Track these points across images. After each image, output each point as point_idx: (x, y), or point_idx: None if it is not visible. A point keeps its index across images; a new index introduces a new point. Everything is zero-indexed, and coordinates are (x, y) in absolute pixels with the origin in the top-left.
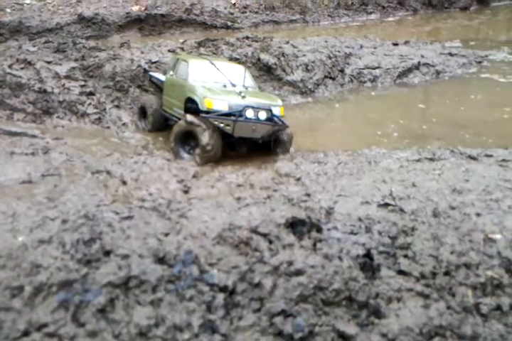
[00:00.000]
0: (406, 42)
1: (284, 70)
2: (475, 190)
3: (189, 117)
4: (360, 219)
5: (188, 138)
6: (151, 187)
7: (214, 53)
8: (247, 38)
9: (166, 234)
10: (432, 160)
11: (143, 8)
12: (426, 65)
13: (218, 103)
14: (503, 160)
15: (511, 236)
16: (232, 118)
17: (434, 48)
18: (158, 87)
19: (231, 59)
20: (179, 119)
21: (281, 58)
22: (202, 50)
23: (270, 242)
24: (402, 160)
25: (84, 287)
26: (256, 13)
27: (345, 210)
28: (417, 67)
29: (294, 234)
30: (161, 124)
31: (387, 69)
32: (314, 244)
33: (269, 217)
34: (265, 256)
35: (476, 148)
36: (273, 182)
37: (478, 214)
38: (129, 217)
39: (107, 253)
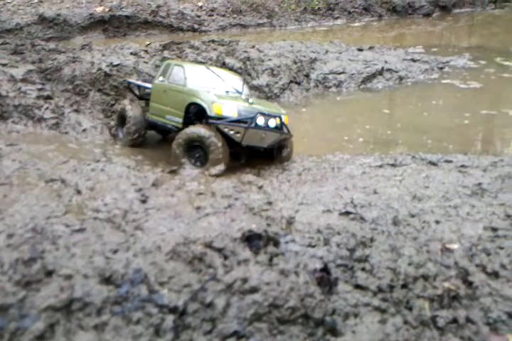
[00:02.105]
0: (370, 48)
1: (249, 75)
2: (435, 196)
3: (197, 126)
4: (319, 231)
5: (193, 148)
6: (106, 197)
7: (179, 57)
8: (213, 41)
9: (115, 251)
10: (393, 166)
11: (107, 10)
12: (389, 70)
13: (228, 108)
14: (462, 166)
15: (468, 245)
16: (244, 125)
17: (397, 54)
18: (137, 95)
19: (196, 62)
20: (173, 127)
21: (247, 62)
22: (166, 53)
23: (225, 258)
24: (365, 166)
25: (21, 312)
26: (223, 16)
27: (307, 219)
28: (380, 72)
29: (250, 248)
30: (143, 134)
31: (352, 74)
32: (271, 259)
33: (228, 228)
34: (219, 273)
35: (436, 153)
36: (234, 190)
37: (437, 222)
38: (81, 230)
39: (49, 273)
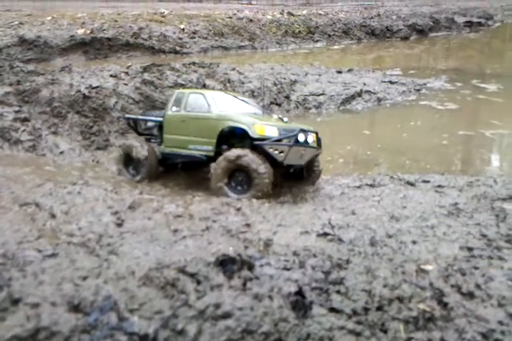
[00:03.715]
0: (349, 70)
1: None
2: (412, 216)
3: (238, 150)
4: (294, 253)
5: (233, 174)
6: (81, 221)
7: (159, 79)
8: (194, 63)
9: (84, 278)
10: (372, 186)
11: (88, 32)
12: (368, 92)
13: (269, 129)
14: (439, 186)
15: (444, 265)
16: (288, 143)
17: (375, 76)
18: (137, 131)
19: (176, 85)
20: (202, 156)
21: (227, 84)
22: (146, 75)
23: (198, 283)
24: (344, 187)
25: None
26: (205, 38)
27: (284, 241)
28: (359, 94)
29: (223, 272)
30: (158, 170)
31: (331, 96)
32: (244, 283)
33: (205, 251)
34: (191, 299)
35: (414, 174)
36: (213, 213)
37: (414, 242)
38: (53, 255)
39: (15, 301)
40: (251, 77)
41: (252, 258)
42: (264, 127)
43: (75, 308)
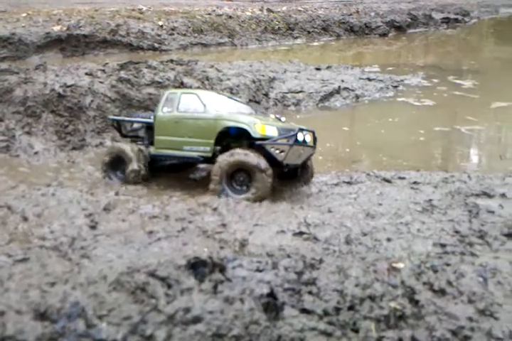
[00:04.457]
0: (328, 67)
1: None
2: (387, 213)
3: (238, 150)
4: (268, 254)
5: (234, 175)
6: (54, 224)
7: (135, 77)
8: (171, 61)
9: (52, 284)
10: (349, 183)
11: (65, 28)
12: (346, 89)
13: (270, 128)
14: (415, 183)
15: (418, 262)
16: (288, 142)
17: (354, 73)
18: (122, 133)
19: (153, 83)
20: (198, 157)
21: (205, 82)
22: (123, 73)
23: (169, 286)
24: (322, 185)
25: None
26: (184, 35)
27: (260, 241)
28: (337, 91)
29: (194, 276)
30: (149, 172)
31: (310, 93)
32: (215, 286)
33: (180, 253)
34: (161, 304)
35: (390, 170)
36: (189, 213)
37: (388, 239)
38: (24, 260)
39: None
40: (229, 75)
41: (225, 260)
42: (265, 126)
43: (42, 316)
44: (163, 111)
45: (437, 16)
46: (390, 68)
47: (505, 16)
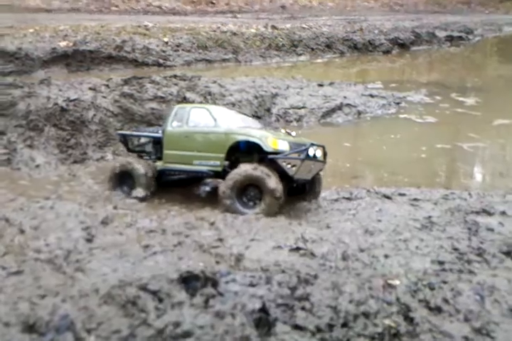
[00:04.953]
0: (331, 84)
1: None
2: (386, 230)
3: (249, 165)
4: (262, 269)
5: (244, 189)
6: (50, 237)
7: (138, 92)
8: (175, 76)
9: (43, 297)
10: (349, 199)
11: (71, 44)
12: (348, 105)
13: (281, 143)
14: (415, 199)
15: (414, 279)
16: (300, 157)
17: (356, 90)
18: (129, 148)
19: (156, 98)
20: (209, 172)
21: (208, 97)
22: (126, 88)
23: (160, 300)
24: (321, 200)
25: None
26: (188, 51)
27: (256, 256)
28: (339, 107)
29: (186, 290)
30: (155, 186)
31: (312, 109)
32: (206, 301)
33: (175, 267)
34: (150, 318)
35: (391, 187)
36: (185, 227)
37: (386, 256)
38: (18, 272)
39: None
40: (232, 90)
41: (218, 274)
42: (277, 141)
43: (30, 328)
44: (172, 126)
45: (441, 34)
46: (393, 85)
47: (509, 34)
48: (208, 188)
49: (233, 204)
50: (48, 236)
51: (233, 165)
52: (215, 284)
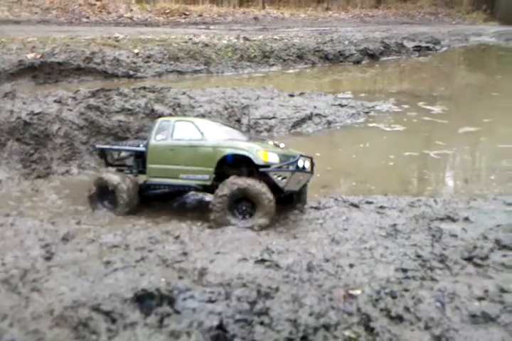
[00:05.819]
0: (301, 94)
1: None
2: (352, 238)
3: (239, 178)
4: (222, 284)
5: (236, 203)
6: (7, 256)
7: (105, 104)
8: (144, 88)
9: None
10: (317, 209)
11: (39, 56)
12: (318, 115)
13: (271, 155)
14: (381, 207)
15: (378, 288)
16: (290, 169)
17: (326, 99)
18: (109, 162)
19: (123, 110)
20: (197, 186)
21: (177, 109)
22: (92, 100)
23: (113, 321)
24: (289, 210)
25: None
26: (160, 62)
27: (221, 269)
28: (310, 117)
29: (140, 309)
30: (137, 201)
31: (282, 119)
32: (161, 320)
33: (135, 284)
34: (102, 340)
35: (358, 195)
36: (149, 242)
37: (351, 265)
38: None
39: None
40: (201, 101)
41: (175, 291)
42: (267, 153)
43: None
44: (156, 139)
45: (409, 45)
46: (362, 95)
47: (475, 44)
48: (176, 201)
49: (226, 217)
50: (5, 255)
51: (220, 178)
52: (171, 302)
